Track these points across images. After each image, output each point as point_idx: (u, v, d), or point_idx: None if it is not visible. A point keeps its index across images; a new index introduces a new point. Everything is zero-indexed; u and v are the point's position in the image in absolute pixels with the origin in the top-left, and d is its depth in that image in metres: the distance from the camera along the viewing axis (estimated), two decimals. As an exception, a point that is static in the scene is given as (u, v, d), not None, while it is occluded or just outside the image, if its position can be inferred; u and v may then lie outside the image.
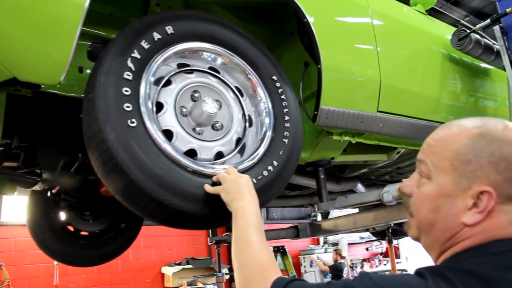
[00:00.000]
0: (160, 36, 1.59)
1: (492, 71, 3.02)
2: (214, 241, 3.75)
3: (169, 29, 1.62)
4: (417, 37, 2.56)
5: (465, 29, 2.54)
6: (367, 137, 2.39)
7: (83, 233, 3.39)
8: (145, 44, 1.55)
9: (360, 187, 3.21)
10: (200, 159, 1.60)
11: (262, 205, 1.61)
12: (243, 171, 1.58)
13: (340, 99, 2.10)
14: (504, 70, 2.88)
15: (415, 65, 2.49)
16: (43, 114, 2.09)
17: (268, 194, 1.63)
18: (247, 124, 1.76)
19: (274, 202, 3.59)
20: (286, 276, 1.04)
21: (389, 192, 2.23)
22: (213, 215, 1.49)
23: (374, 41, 2.23)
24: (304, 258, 10.39)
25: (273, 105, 1.77)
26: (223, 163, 1.64)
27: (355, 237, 10.54)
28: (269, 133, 1.72)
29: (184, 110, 1.63)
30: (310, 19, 1.94)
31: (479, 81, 2.88)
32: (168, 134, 1.56)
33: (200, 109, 1.62)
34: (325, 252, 10.03)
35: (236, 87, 1.81)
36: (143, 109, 1.47)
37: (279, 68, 1.88)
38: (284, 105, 1.79)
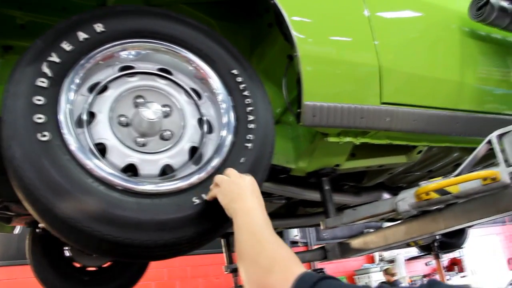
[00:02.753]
0: (87, 36, 1.39)
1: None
2: (229, 270, 3.43)
3: (99, 27, 1.41)
4: (423, 11, 2.20)
5: (484, -4, 2.17)
6: (375, 136, 2.05)
7: (90, 268, 3.26)
8: (66, 46, 1.35)
9: (387, 197, 2.84)
10: (142, 175, 1.36)
11: (217, 228, 1.35)
12: (189, 187, 1.32)
13: (328, 92, 1.79)
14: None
15: (425, 45, 2.12)
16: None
17: (225, 213, 1.35)
18: (205, 131, 1.51)
19: (282, 223, 3.27)
20: (314, 272, 0.86)
21: (405, 200, 1.87)
22: (152, 243, 1.24)
23: (367, 18, 1.91)
24: (359, 278, 9.81)
25: (234, 104, 1.51)
26: (172, 177, 1.39)
27: (413, 251, 9.84)
28: (228, 138, 1.45)
29: (123, 119, 1.40)
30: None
31: (510, 60, 2.46)
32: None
33: (140, 117, 1.39)
34: (380, 271, 9.41)
35: (192, 89, 1.57)
36: (61, 119, 1.26)
37: (242, 60, 1.61)
38: (247, 102, 1.52)
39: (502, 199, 2.17)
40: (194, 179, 1.34)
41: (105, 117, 1.38)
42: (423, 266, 10.69)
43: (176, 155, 1.43)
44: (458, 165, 2.80)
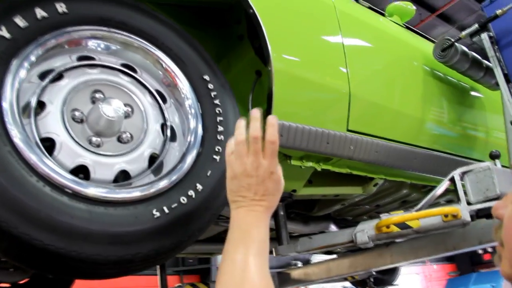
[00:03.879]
0: (46, 15, 1.22)
1: (482, 94, 2.72)
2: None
3: (61, 7, 1.25)
4: (393, 47, 2.24)
5: (449, 38, 2.24)
6: (336, 163, 2.00)
7: (3, 284, 2.90)
8: (20, 21, 1.17)
9: (333, 228, 2.80)
10: (94, 179, 1.20)
11: (176, 246, 1.21)
12: (150, 197, 1.18)
13: (298, 112, 1.73)
14: (495, 89, 2.59)
15: (392, 78, 2.15)
16: None
17: (187, 229, 1.22)
18: (168, 138, 1.37)
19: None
20: None
21: (364, 232, 1.83)
22: (102, 259, 1.07)
23: (341, 44, 1.89)
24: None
25: (202, 112, 1.40)
26: (129, 185, 1.23)
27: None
28: (194, 147, 1.33)
29: (77, 114, 1.24)
30: (256, 10, 1.60)
31: (467, 105, 2.56)
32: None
33: (98, 113, 1.23)
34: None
35: (158, 91, 1.44)
36: (4, 106, 1.08)
37: (214, 67, 1.51)
38: (218, 112, 1.41)
39: (451, 237, 2.21)
40: (156, 189, 1.20)
41: (57, 109, 1.21)
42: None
43: (134, 161, 1.28)
44: (405, 202, 2.85)
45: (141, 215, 1.14)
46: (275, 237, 2.11)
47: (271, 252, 2.38)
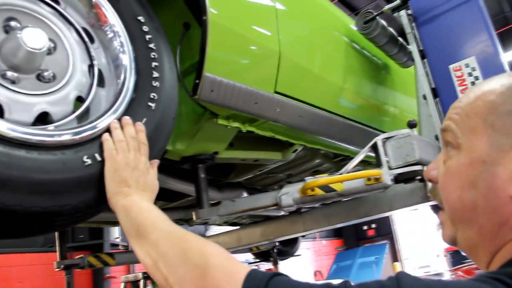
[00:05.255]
0: None
1: (396, 71, 2.89)
2: (62, 266, 2.99)
3: None
4: (322, 15, 2.28)
5: (371, 11, 2.33)
6: (261, 126, 1.99)
7: None
8: None
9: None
10: (10, 119, 1.04)
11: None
12: (79, 143, 1.06)
13: (230, 68, 1.68)
14: (405, 66, 2.76)
15: (319, 45, 2.18)
16: None
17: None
18: (95, 81, 1.24)
19: None
20: (259, 270, 0.75)
21: (289, 194, 1.85)
22: (23, 210, 0.94)
23: (274, 3, 1.87)
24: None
25: (136, 55, 1.28)
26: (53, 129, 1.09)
27: (245, 258, 10.16)
28: (127, 93, 1.22)
29: (-14, 43, 1.07)
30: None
31: (383, 80, 2.71)
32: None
33: (16, 42, 1.07)
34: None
35: (85, 29, 1.29)
36: None
37: (149, 9, 1.40)
38: (153, 57, 1.31)
39: (363, 204, 2.33)
40: (88, 133, 1.08)
41: (-39, 34, 1.03)
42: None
43: (58, 103, 1.14)
44: (316, 172, 2.95)
45: (69, 161, 1.02)
46: (195, 203, 2.05)
47: (191, 219, 2.32)
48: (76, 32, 1.26)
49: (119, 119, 1.15)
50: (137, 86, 1.24)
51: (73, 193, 1.01)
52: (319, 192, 1.79)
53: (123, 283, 7.10)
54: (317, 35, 2.18)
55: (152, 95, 1.26)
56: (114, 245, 9.30)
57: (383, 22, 2.39)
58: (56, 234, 2.95)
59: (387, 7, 2.28)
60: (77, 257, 3.12)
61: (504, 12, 12.72)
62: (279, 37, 1.86)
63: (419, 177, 1.86)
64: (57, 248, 2.91)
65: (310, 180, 1.80)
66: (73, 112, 1.17)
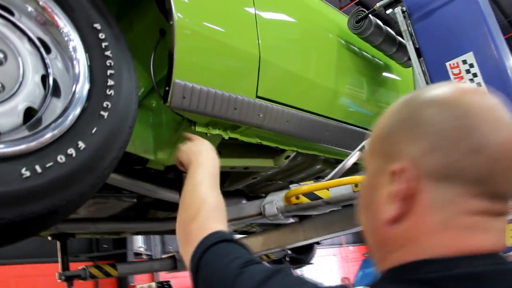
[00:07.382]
0: None
1: (395, 71, 2.80)
2: (63, 277, 3.01)
3: None
4: (308, 16, 2.21)
5: (363, 9, 2.26)
6: (245, 132, 1.95)
7: None
8: None
9: (246, 204, 2.77)
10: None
11: (52, 212, 1.09)
12: (18, 154, 1.04)
13: (202, 73, 1.65)
14: (407, 66, 2.67)
15: (306, 47, 2.12)
16: None
17: (65, 192, 1.10)
18: (50, 91, 1.23)
19: (130, 227, 3.01)
20: (228, 233, 0.86)
21: (273, 203, 1.80)
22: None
23: (252, 3, 1.83)
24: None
25: (90, 63, 1.27)
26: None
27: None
28: (78, 102, 1.20)
29: None
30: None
31: (380, 80, 2.62)
32: None
33: (-42, 54, 1.06)
34: None
35: (40, 39, 1.29)
36: None
37: (108, 16, 1.38)
38: (108, 64, 1.29)
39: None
40: (26, 146, 1.06)
41: None
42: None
43: (5, 115, 1.13)
44: (319, 178, 2.88)
45: (5, 174, 1.00)
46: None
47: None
48: (30, 42, 1.25)
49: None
50: (90, 94, 1.22)
51: (8, 206, 0.99)
52: (304, 200, 1.73)
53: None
54: (303, 37, 2.13)
55: (106, 103, 1.24)
56: (138, 254, 9.36)
57: (377, 21, 2.32)
58: (58, 245, 2.97)
59: (378, 4, 2.21)
60: (80, 267, 3.13)
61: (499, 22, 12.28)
62: (258, 40, 1.82)
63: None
64: (59, 259, 2.93)
65: (294, 187, 1.75)
66: (24, 123, 1.16)
